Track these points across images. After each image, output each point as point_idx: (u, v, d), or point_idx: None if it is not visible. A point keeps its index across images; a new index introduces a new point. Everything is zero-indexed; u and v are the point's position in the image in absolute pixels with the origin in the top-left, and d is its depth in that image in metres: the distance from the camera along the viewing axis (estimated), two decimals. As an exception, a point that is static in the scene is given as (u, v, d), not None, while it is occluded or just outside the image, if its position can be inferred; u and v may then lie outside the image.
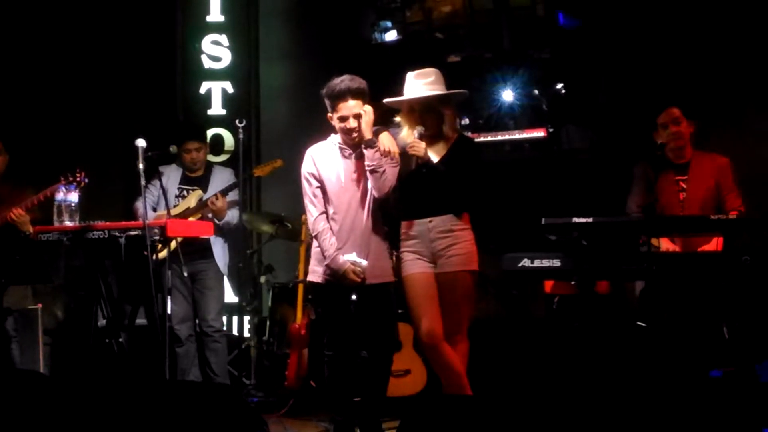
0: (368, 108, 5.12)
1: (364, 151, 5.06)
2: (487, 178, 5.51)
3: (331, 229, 5.10)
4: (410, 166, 5.09)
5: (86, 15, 7.91)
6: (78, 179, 5.98)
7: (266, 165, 6.73)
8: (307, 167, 5.19)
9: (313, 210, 5.15)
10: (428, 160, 5.11)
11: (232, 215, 6.48)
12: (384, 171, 5.05)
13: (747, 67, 7.02)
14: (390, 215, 5.27)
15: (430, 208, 5.15)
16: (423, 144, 5.09)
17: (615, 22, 7.54)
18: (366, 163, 5.06)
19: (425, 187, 5.13)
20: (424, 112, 5.19)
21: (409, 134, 5.17)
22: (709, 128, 6.82)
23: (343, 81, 5.05)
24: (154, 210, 6.38)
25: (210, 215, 6.40)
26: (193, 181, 6.56)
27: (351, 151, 5.14)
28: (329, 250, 5.06)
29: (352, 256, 5.01)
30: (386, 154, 5.06)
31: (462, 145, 5.27)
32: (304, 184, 5.19)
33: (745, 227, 5.22)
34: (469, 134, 7.73)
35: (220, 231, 6.45)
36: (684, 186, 5.79)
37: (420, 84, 5.21)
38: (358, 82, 5.07)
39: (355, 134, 5.08)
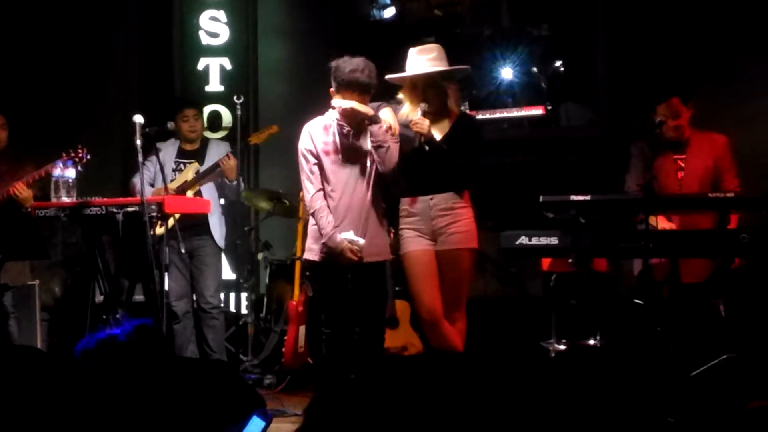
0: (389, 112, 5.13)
1: (369, 128, 5.04)
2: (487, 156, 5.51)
3: (328, 206, 5.08)
4: (413, 143, 5.07)
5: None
6: (80, 156, 5.97)
7: (262, 132, 6.73)
8: (304, 143, 5.16)
9: (310, 187, 5.13)
10: (431, 138, 5.08)
11: (240, 180, 6.52)
12: (389, 147, 5.03)
13: (748, 44, 7.00)
14: (388, 192, 5.25)
15: (431, 186, 5.13)
16: (426, 121, 5.06)
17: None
18: (371, 139, 5.04)
19: (427, 165, 5.10)
20: (426, 88, 5.16)
21: (412, 111, 5.15)
22: (709, 107, 6.81)
23: (354, 71, 4.94)
24: (152, 186, 6.36)
25: (217, 182, 6.47)
26: (189, 155, 6.57)
27: (350, 128, 5.12)
28: (326, 228, 5.04)
29: (350, 235, 5.00)
30: (387, 130, 5.04)
31: (464, 123, 5.24)
32: (301, 160, 5.16)
33: (743, 206, 5.22)
34: (468, 112, 7.72)
35: (226, 197, 6.52)
36: (682, 165, 5.78)
37: (423, 60, 5.17)
38: (369, 77, 4.96)
39: (354, 117, 5.06)
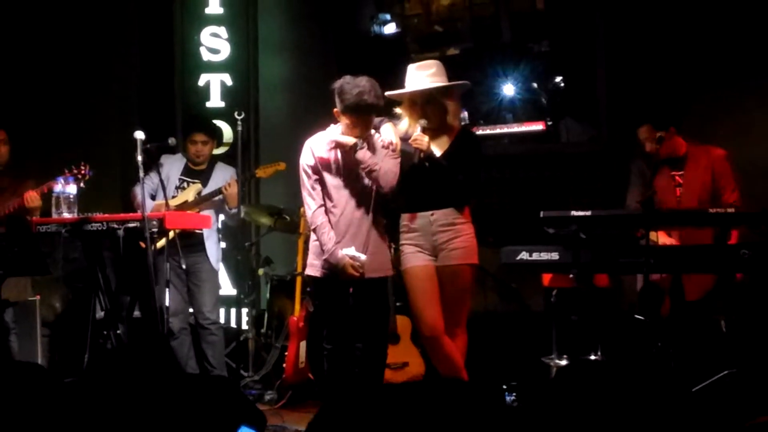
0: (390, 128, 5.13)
1: (356, 156, 5.03)
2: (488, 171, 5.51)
3: (329, 221, 5.09)
4: (412, 159, 5.07)
5: (86, 5, 7.89)
6: (83, 172, 5.98)
7: (269, 167, 6.70)
8: (305, 159, 5.16)
9: (311, 203, 5.13)
10: (431, 154, 5.09)
11: (238, 210, 6.49)
12: (379, 169, 5.03)
13: (747, 61, 7.02)
14: (389, 207, 5.25)
15: (432, 202, 5.12)
16: (426, 138, 5.07)
17: (614, 14, 7.53)
18: (361, 167, 5.05)
19: (428, 181, 5.10)
20: (426, 104, 5.17)
21: (411, 127, 5.16)
22: (709, 120, 6.84)
23: (360, 94, 4.91)
24: (153, 198, 6.36)
25: (213, 209, 6.45)
26: (194, 174, 6.55)
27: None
28: (328, 244, 5.04)
29: (351, 250, 5.00)
30: (388, 146, 5.05)
31: (464, 139, 5.24)
32: (303, 176, 5.16)
33: (743, 221, 5.23)
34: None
35: (221, 225, 6.51)
36: (680, 181, 5.79)
37: (422, 76, 5.18)
38: (375, 98, 4.95)
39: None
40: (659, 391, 4.43)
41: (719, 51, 7.10)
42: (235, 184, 6.39)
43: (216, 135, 6.92)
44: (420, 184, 5.12)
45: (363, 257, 5.00)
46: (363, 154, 5.03)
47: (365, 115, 4.99)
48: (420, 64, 5.26)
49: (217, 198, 6.41)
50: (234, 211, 6.44)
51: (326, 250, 5.05)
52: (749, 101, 6.99)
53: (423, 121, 5.12)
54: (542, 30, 8.17)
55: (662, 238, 5.64)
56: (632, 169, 5.95)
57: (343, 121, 5.06)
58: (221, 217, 6.62)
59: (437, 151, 5.15)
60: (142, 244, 5.66)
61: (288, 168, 6.38)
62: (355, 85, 4.94)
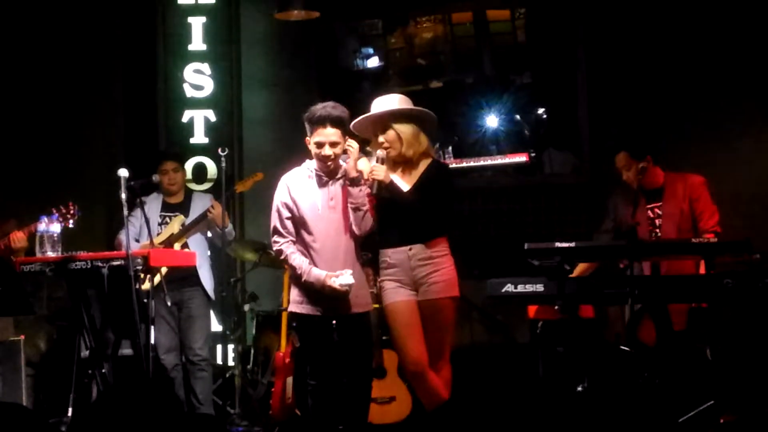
0: (354, 144, 5.11)
1: (349, 189, 5.05)
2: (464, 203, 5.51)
3: (311, 256, 5.08)
4: (378, 191, 5.07)
5: (69, 42, 7.90)
6: (72, 212, 5.97)
7: (247, 179, 6.78)
8: (281, 196, 5.17)
9: (279, 238, 5.15)
10: (390, 184, 5.08)
11: (231, 227, 6.55)
12: (367, 210, 5.05)
13: (728, 89, 7.08)
14: (372, 242, 5.25)
15: (408, 236, 5.11)
16: (383, 167, 5.08)
17: (595, 45, 7.59)
18: (349, 200, 5.06)
19: (401, 216, 5.11)
20: (382, 133, 5.18)
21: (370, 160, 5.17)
22: (690, 149, 6.89)
23: (325, 107, 5.04)
24: (137, 241, 6.35)
25: (203, 233, 6.50)
26: (173, 208, 6.58)
27: (328, 178, 5.13)
28: (303, 266, 5.04)
29: (347, 278, 4.96)
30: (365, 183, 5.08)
31: (433, 171, 5.22)
32: (275, 213, 5.17)
33: (726, 250, 5.25)
34: (451, 159, 7.78)
35: (215, 247, 6.53)
36: (659, 212, 5.82)
37: (382, 107, 5.22)
38: (340, 111, 5.06)
39: (329, 162, 5.07)
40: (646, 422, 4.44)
41: (700, 80, 7.17)
42: (218, 205, 6.42)
43: (183, 159, 7.08)
44: (394, 219, 5.12)
45: (352, 281, 4.98)
46: (357, 191, 5.05)
47: (329, 125, 5.00)
48: (383, 97, 5.29)
49: (202, 223, 6.43)
50: (228, 228, 6.48)
51: (303, 272, 5.04)
52: (731, 129, 7.04)
53: (381, 152, 5.12)
54: (524, 62, 8.25)
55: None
56: (608, 205, 6.02)
57: (313, 149, 5.07)
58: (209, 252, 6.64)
59: (406, 186, 5.16)
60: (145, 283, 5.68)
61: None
62: (320, 104, 5.09)
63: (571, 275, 5.58)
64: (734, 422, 4.99)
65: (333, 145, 5.03)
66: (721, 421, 5.05)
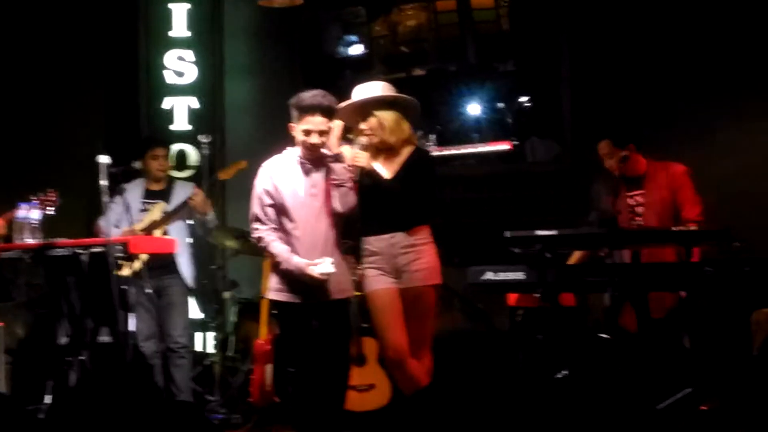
0: (338, 122, 5.11)
1: (332, 165, 5.05)
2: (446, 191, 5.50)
3: (292, 244, 5.07)
4: (360, 178, 5.06)
5: (49, 30, 7.85)
6: (52, 199, 5.94)
7: (230, 167, 6.76)
8: (262, 183, 5.16)
9: (259, 225, 5.13)
10: (372, 171, 5.08)
11: (213, 214, 6.53)
12: (350, 188, 5.04)
13: (711, 78, 7.09)
14: (353, 229, 5.24)
15: (390, 224, 5.10)
16: (365, 154, 5.07)
17: (579, 34, 7.59)
18: (332, 177, 5.05)
19: (383, 203, 5.10)
20: (364, 120, 5.16)
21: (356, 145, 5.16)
22: (673, 139, 6.90)
23: (315, 96, 5.02)
24: (117, 227, 6.32)
25: (185, 221, 6.47)
26: (155, 195, 6.54)
27: (311, 165, 5.11)
28: (283, 254, 5.03)
29: (327, 266, 4.95)
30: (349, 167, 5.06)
31: (416, 159, 5.22)
32: (256, 199, 5.15)
33: (706, 239, 5.26)
34: (434, 147, 7.76)
35: (195, 235, 6.52)
36: (641, 200, 5.82)
37: (364, 94, 5.20)
38: (329, 100, 5.04)
39: (315, 150, 5.06)
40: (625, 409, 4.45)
41: (682, 69, 7.18)
42: (200, 193, 6.41)
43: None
44: (377, 207, 5.11)
45: (332, 270, 4.97)
46: (339, 167, 5.04)
47: (319, 114, 4.99)
48: (365, 84, 5.28)
49: (184, 210, 6.41)
50: (210, 216, 6.47)
51: (284, 260, 5.03)
52: (713, 118, 7.05)
53: (363, 139, 5.13)
54: (507, 50, 8.24)
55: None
56: (591, 195, 6.02)
57: (299, 136, 5.05)
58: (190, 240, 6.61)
59: (388, 174, 5.14)
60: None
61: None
62: (309, 91, 5.06)
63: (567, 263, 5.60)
64: (713, 410, 5.01)
65: (321, 133, 5.02)
66: (701, 408, 5.07)
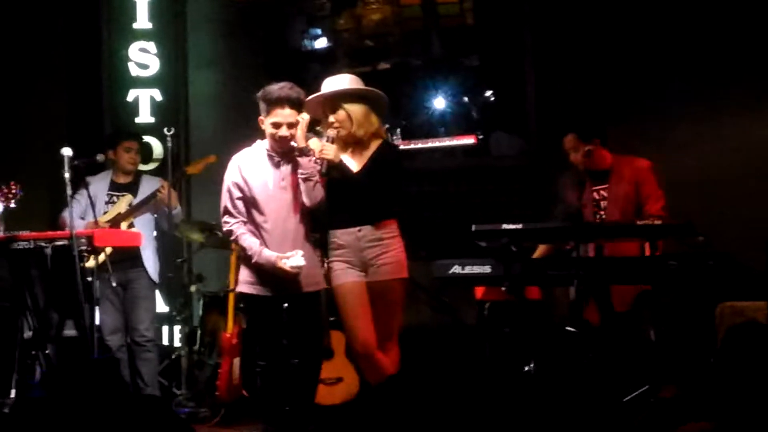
0: (305, 116, 5.11)
1: (299, 159, 5.04)
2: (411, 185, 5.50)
3: (262, 237, 5.06)
4: (328, 171, 5.07)
5: (10, 18, 7.75)
6: (13, 192, 5.87)
7: (198, 162, 6.76)
8: (232, 176, 5.15)
9: (229, 219, 5.13)
10: (339, 163, 5.08)
11: (179, 208, 6.54)
12: (317, 181, 5.04)
13: (675, 72, 7.15)
14: (320, 223, 5.24)
15: (357, 218, 5.11)
16: (332, 147, 5.07)
17: (543, 29, 7.63)
18: (299, 171, 5.04)
19: (351, 197, 5.10)
20: (332, 113, 5.16)
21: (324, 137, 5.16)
22: (636, 133, 6.95)
23: (283, 88, 5.03)
24: (83, 219, 6.28)
25: (151, 213, 6.47)
26: (122, 188, 6.51)
27: (280, 159, 5.11)
28: (253, 247, 5.03)
29: (297, 259, 4.95)
30: (317, 161, 5.06)
31: (384, 152, 5.22)
32: (226, 193, 5.15)
33: (669, 233, 5.32)
34: (399, 141, 7.78)
35: (160, 229, 6.50)
36: (605, 194, 5.87)
37: (330, 86, 5.21)
38: (297, 92, 5.05)
39: (285, 143, 5.06)
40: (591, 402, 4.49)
41: (645, 64, 7.23)
42: (168, 186, 6.39)
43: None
44: (344, 200, 5.11)
45: (303, 262, 4.97)
46: (306, 161, 5.04)
47: (288, 107, 5.00)
48: (335, 77, 5.28)
49: (151, 203, 6.38)
50: (176, 210, 6.48)
51: (254, 253, 5.03)
52: (678, 115, 7.11)
53: (331, 131, 5.12)
54: (472, 44, 8.26)
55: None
56: (557, 190, 6.06)
57: (268, 129, 5.04)
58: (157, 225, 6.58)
59: (356, 167, 5.15)
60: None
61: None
62: (276, 84, 5.07)
63: (532, 257, 5.64)
64: (673, 397, 5.07)
65: (290, 126, 5.02)
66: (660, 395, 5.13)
